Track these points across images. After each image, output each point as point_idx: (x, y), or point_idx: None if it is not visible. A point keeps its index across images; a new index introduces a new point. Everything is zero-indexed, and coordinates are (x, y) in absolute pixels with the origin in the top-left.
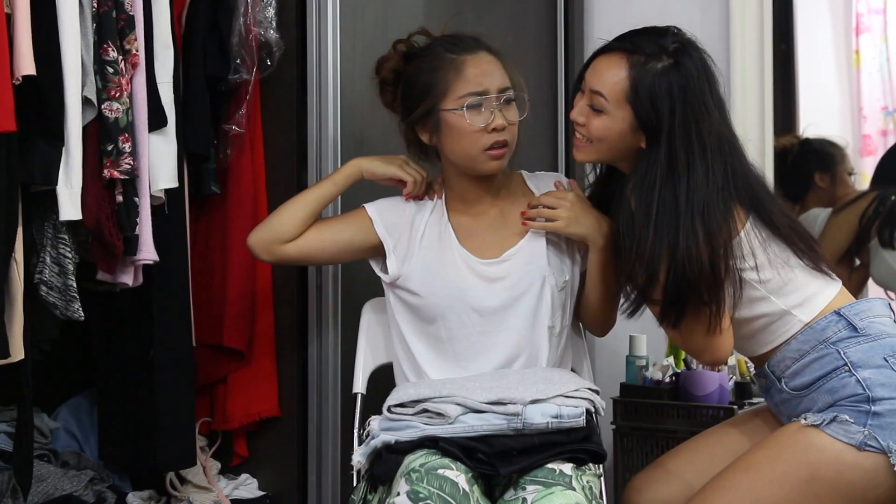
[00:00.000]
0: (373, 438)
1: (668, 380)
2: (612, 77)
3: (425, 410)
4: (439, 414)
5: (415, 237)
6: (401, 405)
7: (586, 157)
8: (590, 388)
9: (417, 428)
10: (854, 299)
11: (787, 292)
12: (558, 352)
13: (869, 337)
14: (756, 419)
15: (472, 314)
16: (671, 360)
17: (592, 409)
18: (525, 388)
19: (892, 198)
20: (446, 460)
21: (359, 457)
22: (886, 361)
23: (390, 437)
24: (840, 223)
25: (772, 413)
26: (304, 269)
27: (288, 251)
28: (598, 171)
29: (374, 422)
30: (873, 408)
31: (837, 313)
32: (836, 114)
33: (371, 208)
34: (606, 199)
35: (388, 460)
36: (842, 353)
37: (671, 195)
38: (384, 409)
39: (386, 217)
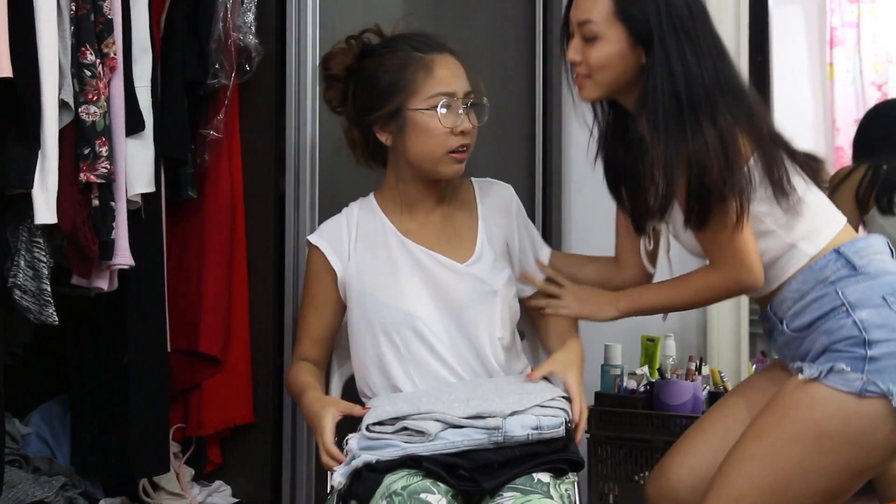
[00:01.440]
0: (353, 458)
1: (642, 389)
2: (595, 2)
3: (405, 428)
4: (419, 431)
5: (360, 248)
6: (379, 423)
7: (591, 94)
8: (563, 397)
9: (398, 447)
10: (857, 235)
11: (793, 225)
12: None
13: (868, 276)
14: (761, 379)
15: (434, 317)
16: (646, 369)
17: (568, 419)
18: (501, 398)
19: (885, 167)
20: (427, 482)
21: (339, 477)
22: (885, 300)
23: (371, 457)
24: (837, 201)
25: (776, 366)
26: (280, 276)
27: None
28: (601, 123)
29: (353, 440)
30: (870, 352)
31: (837, 251)
32: (810, 125)
33: (325, 252)
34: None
35: (367, 479)
36: (840, 292)
37: (671, 95)
38: (363, 427)
39: (335, 247)
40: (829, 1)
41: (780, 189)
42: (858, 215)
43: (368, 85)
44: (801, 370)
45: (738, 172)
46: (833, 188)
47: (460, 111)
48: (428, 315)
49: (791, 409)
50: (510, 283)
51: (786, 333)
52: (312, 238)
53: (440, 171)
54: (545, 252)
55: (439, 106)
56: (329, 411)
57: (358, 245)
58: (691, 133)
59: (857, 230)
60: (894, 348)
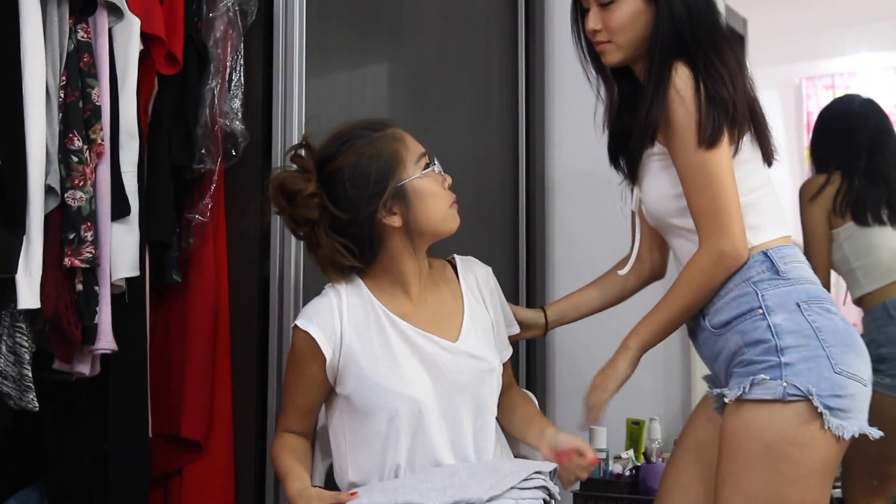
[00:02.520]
0: None
1: (627, 473)
2: None
3: None
4: None
5: (352, 332)
6: None
7: (614, 58)
8: (539, 472)
9: None
10: (788, 242)
11: (745, 213)
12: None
13: (788, 281)
14: (698, 419)
15: (434, 399)
16: (631, 453)
17: (548, 497)
18: (478, 483)
19: (856, 181)
20: None
21: None
22: (799, 307)
23: None
24: (816, 212)
25: (706, 401)
26: (264, 360)
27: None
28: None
29: None
30: (783, 358)
31: (765, 253)
32: (788, 208)
33: (315, 337)
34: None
35: None
36: (760, 294)
37: (674, 32)
38: None
39: (325, 332)
40: (805, 86)
41: (757, 165)
42: (829, 229)
43: (357, 179)
44: (723, 396)
45: (741, 102)
46: (806, 202)
47: (438, 166)
48: (429, 398)
49: (734, 439)
50: (500, 359)
51: (706, 330)
52: (300, 322)
53: (448, 227)
54: (515, 329)
55: (430, 166)
56: None
57: (350, 329)
58: (693, 61)
59: (828, 244)
60: (805, 353)
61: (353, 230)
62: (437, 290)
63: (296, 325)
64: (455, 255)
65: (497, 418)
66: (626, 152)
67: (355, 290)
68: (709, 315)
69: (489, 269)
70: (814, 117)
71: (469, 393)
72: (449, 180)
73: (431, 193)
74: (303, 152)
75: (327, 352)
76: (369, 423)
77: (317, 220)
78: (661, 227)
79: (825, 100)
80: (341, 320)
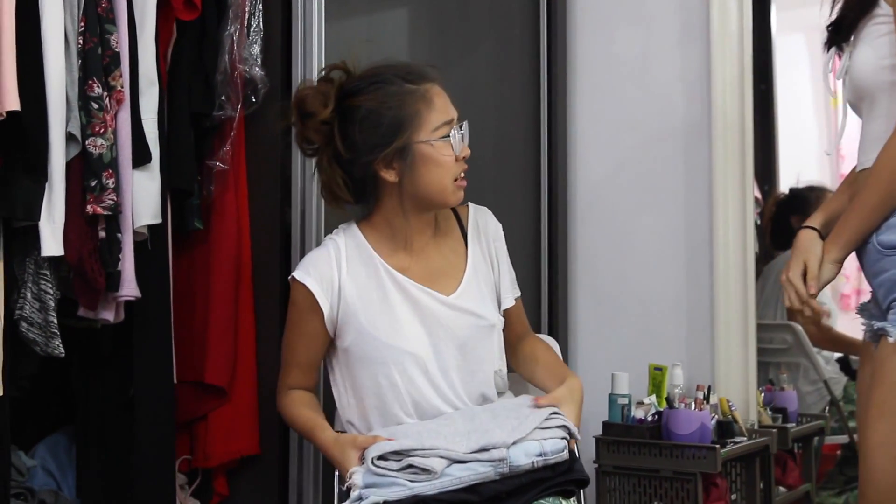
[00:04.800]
0: (360, 500)
1: (650, 419)
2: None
3: (410, 465)
4: (425, 469)
5: (351, 285)
6: (382, 457)
7: None
8: (557, 412)
9: (404, 486)
10: None
11: None
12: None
13: None
14: (867, 348)
15: (432, 354)
16: (653, 398)
17: (569, 436)
18: (500, 426)
19: None
20: None
21: None
22: None
23: (378, 498)
24: None
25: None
26: (286, 306)
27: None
28: None
29: (357, 475)
30: None
31: None
32: (815, 154)
33: (312, 290)
34: None
35: None
36: None
37: None
38: (368, 461)
39: (323, 285)
40: None
41: None
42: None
43: (366, 124)
44: (881, 332)
45: None
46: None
47: (459, 138)
48: (427, 353)
49: (891, 375)
50: (500, 312)
51: (871, 245)
52: (298, 275)
53: (448, 201)
54: (510, 299)
55: (449, 135)
56: (350, 454)
57: (348, 281)
58: None
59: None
60: None
61: (351, 169)
62: (440, 244)
63: (293, 277)
64: (470, 204)
65: (519, 370)
66: (847, 13)
67: (354, 242)
68: (880, 230)
69: (500, 226)
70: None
71: (467, 348)
72: (466, 153)
73: (436, 163)
74: (335, 76)
75: (324, 305)
76: (369, 376)
77: (322, 147)
78: (860, 102)
79: None
80: (339, 272)
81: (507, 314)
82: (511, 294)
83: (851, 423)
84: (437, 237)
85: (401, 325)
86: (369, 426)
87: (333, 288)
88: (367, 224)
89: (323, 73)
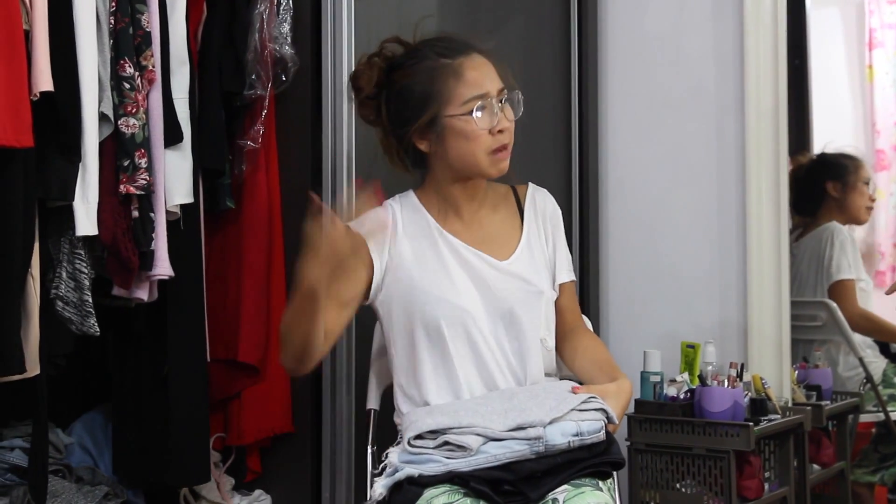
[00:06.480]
0: (396, 471)
1: (682, 396)
2: None
3: (446, 443)
4: (460, 446)
5: (404, 242)
6: (419, 437)
7: None
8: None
9: (440, 462)
10: None
11: None
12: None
13: None
14: None
15: (482, 315)
16: (686, 376)
17: (606, 420)
18: (538, 406)
19: None
20: (468, 501)
21: (381, 488)
22: None
23: (414, 471)
24: None
25: None
26: None
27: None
28: None
29: (393, 454)
30: None
31: None
32: (850, 129)
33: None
34: None
35: (408, 491)
36: None
37: None
38: (405, 441)
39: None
40: (867, 2)
41: None
42: None
43: (401, 98)
44: None
45: None
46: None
47: (496, 110)
48: (477, 312)
49: None
50: (553, 287)
51: None
52: (353, 225)
53: (485, 172)
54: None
55: (475, 109)
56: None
57: (402, 239)
58: None
59: None
60: None
61: (397, 138)
62: (494, 213)
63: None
64: (530, 183)
65: (567, 363)
66: None
67: (410, 204)
68: None
69: (559, 209)
70: (877, 34)
71: (514, 312)
72: (501, 125)
73: (464, 136)
74: (388, 50)
75: (375, 258)
76: (407, 335)
77: (374, 120)
78: None
79: (888, 15)
80: (395, 229)
81: (560, 295)
82: (566, 274)
83: (888, 404)
84: (494, 207)
85: (454, 282)
86: (419, 384)
87: (384, 243)
88: (421, 191)
89: (380, 45)
